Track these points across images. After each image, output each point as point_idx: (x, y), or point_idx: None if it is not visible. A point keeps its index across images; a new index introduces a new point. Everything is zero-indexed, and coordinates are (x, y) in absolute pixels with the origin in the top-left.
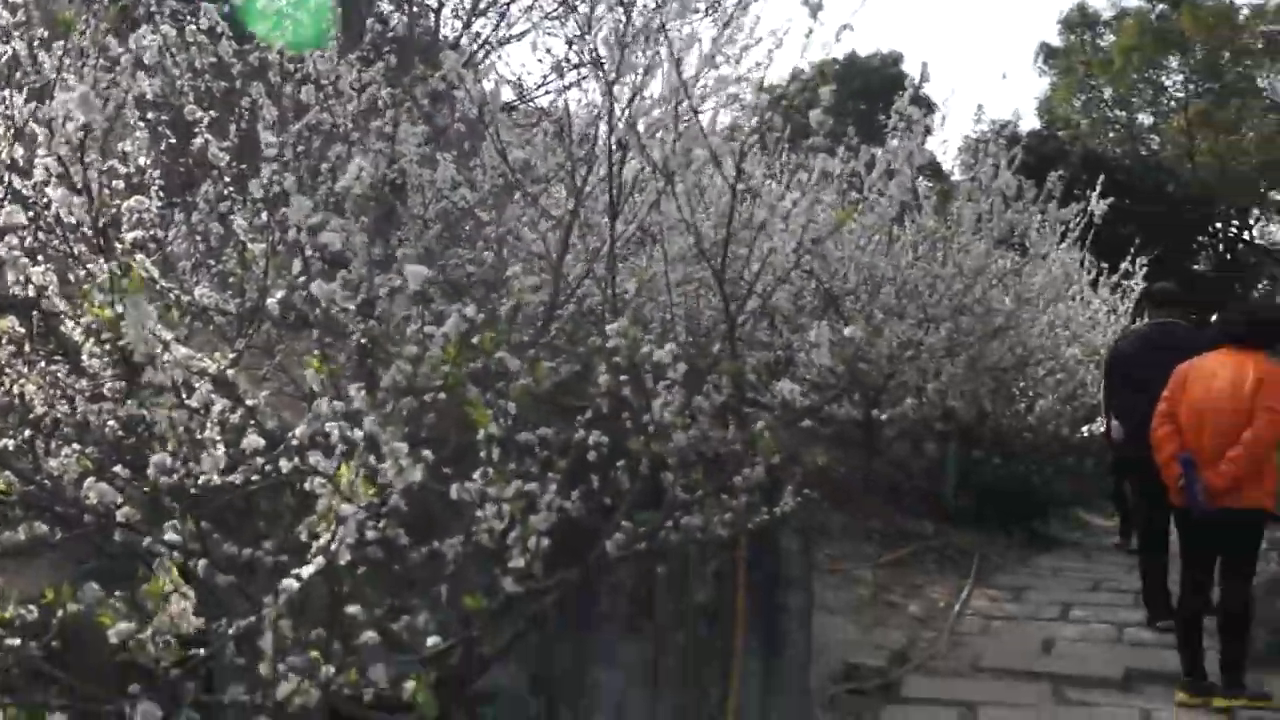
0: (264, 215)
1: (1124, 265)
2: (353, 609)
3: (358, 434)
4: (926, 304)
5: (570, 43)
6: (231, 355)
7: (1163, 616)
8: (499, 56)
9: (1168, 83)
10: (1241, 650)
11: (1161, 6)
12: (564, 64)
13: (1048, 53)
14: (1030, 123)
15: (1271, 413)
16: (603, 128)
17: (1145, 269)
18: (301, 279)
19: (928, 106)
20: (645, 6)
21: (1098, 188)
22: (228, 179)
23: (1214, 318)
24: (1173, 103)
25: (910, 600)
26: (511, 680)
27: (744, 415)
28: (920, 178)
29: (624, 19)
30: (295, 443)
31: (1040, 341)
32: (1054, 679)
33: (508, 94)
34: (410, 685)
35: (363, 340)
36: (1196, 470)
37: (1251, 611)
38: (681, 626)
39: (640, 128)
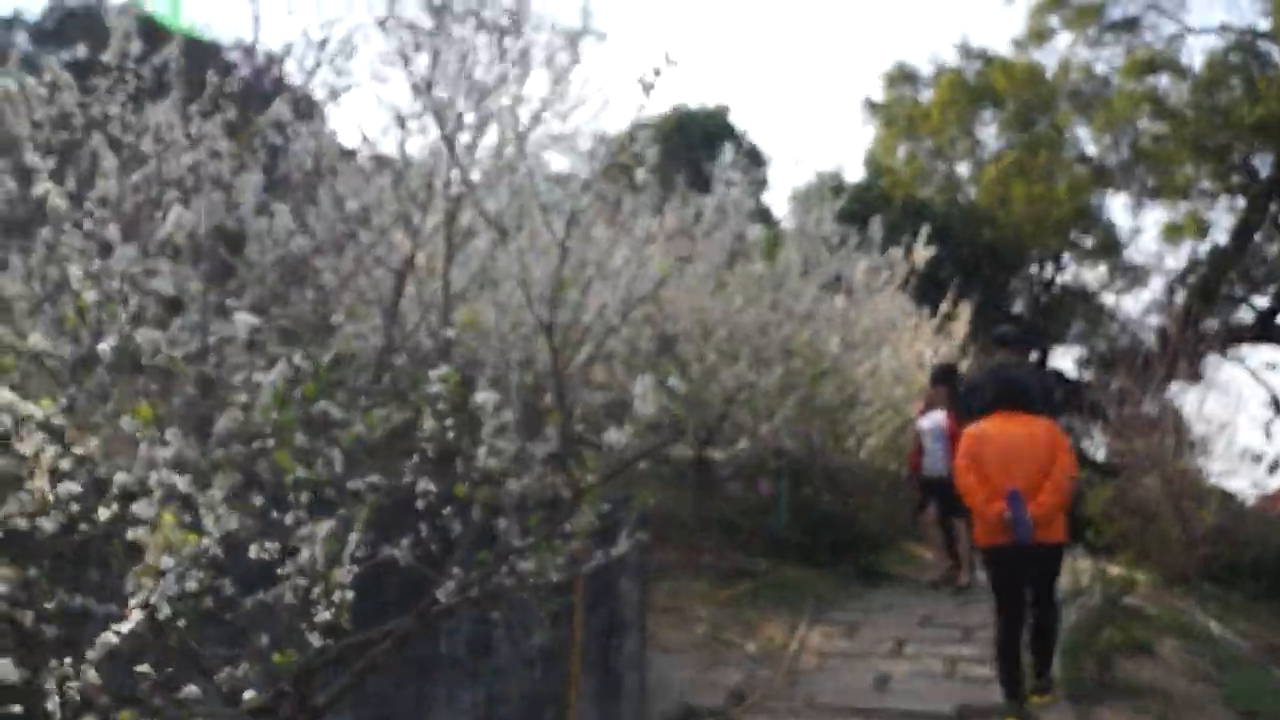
0: (97, 262)
1: (944, 308)
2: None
3: (181, 481)
4: (758, 347)
5: (415, 90)
6: (63, 401)
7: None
8: (338, 105)
9: (983, 135)
10: (1051, 656)
11: (975, 65)
12: (402, 117)
13: (872, 107)
14: (857, 173)
15: (1069, 453)
16: (440, 179)
17: (971, 314)
18: (132, 326)
19: (753, 158)
20: (481, 60)
21: (921, 237)
22: (66, 225)
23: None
24: (988, 154)
25: (746, 638)
26: None
27: (569, 462)
28: (751, 225)
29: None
30: (117, 490)
31: (868, 382)
32: (888, 716)
33: (351, 139)
34: None
35: (195, 387)
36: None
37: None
38: (519, 671)
39: (475, 177)
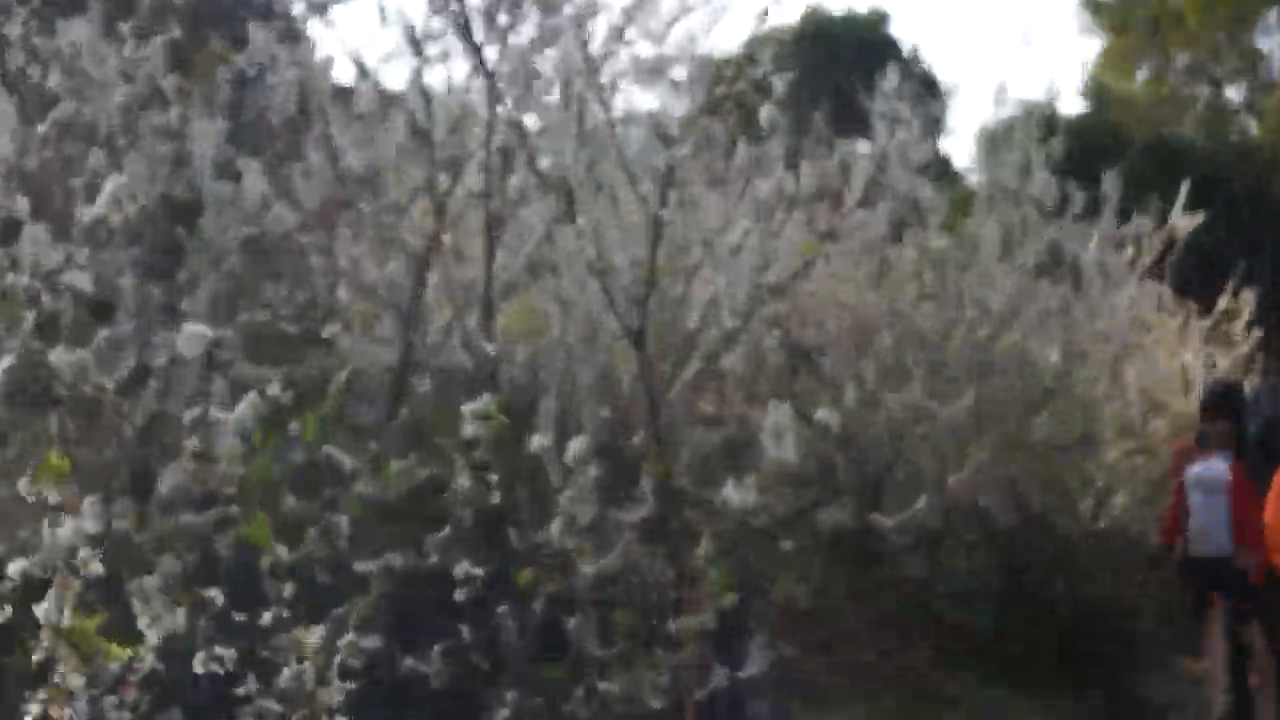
0: None
1: (1221, 301)
2: None
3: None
4: (940, 360)
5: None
6: None
7: None
8: (329, 24)
9: (1264, 44)
10: None
11: None
12: (421, 35)
13: (1095, 7)
14: (1075, 104)
15: None
16: (477, 125)
17: (1256, 306)
18: (42, 339)
19: (925, 85)
20: None
21: (1179, 196)
22: None
23: None
24: (1275, 71)
25: None
26: None
27: (671, 532)
28: (925, 182)
29: None
30: (17, 580)
31: (1107, 410)
32: None
33: (344, 74)
34: None
35: (130, 428)
36: None
37: None
38: None
39: (529, 122)
